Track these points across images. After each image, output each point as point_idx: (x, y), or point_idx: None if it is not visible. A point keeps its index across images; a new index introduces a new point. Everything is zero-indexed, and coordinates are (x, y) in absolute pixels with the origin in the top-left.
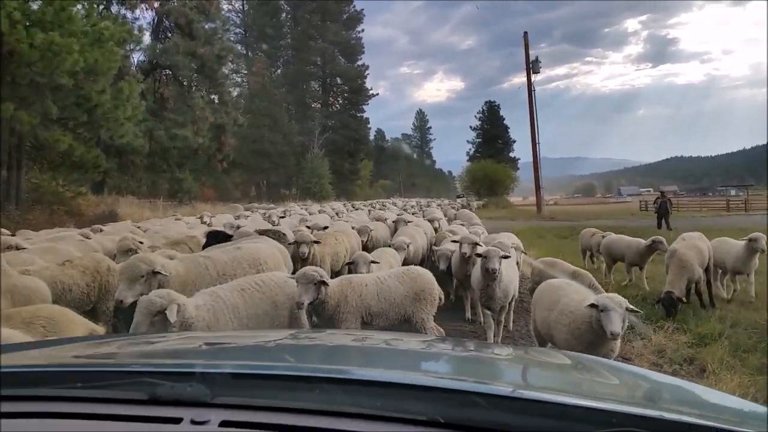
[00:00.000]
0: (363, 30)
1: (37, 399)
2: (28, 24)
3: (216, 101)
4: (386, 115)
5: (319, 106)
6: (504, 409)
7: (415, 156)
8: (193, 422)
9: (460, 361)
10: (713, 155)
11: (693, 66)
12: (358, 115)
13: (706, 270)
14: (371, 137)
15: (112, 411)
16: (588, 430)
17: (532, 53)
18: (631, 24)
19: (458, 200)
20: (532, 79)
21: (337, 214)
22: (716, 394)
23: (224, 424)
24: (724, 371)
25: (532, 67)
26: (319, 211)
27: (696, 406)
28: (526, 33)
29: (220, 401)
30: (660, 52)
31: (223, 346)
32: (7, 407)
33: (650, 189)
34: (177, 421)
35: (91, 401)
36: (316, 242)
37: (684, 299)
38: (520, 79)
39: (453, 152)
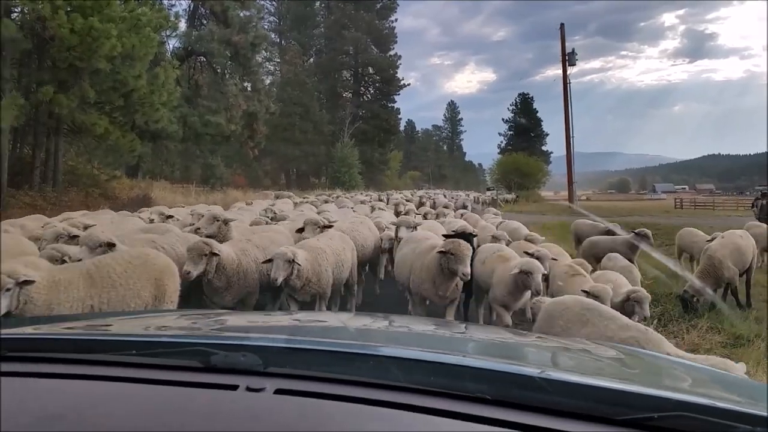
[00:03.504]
0: (396, 20)
1: (92, 363)
2: (69, 9)
3: (249, 89)
4: (417, 105)
5: (350, 95)
6: (548, 391)
7: (445, 147)
8: (249, 389)
9: (508, 346)
10: (751, 153)
11: (732, 62)
12: (389, 105)
13: (748, 270)
14: (401, 127)
15: (167, 377)
16: (643, 415)
17: (567, 46)
18: (668, 18)
19: (488, 193)
20: (568, 71)
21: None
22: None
23: (279, 392)
24: (760, 373)
25: (568, 59)
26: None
27: (745, 395)
28: (562, 25)
29: (274, 371)
30: (698, 47)
31: (274, 324)
32: (65, 369)
33: (685, 186)
34: (233, 388)
35: (146, 367)
36: None
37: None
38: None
39: (483, 144)
